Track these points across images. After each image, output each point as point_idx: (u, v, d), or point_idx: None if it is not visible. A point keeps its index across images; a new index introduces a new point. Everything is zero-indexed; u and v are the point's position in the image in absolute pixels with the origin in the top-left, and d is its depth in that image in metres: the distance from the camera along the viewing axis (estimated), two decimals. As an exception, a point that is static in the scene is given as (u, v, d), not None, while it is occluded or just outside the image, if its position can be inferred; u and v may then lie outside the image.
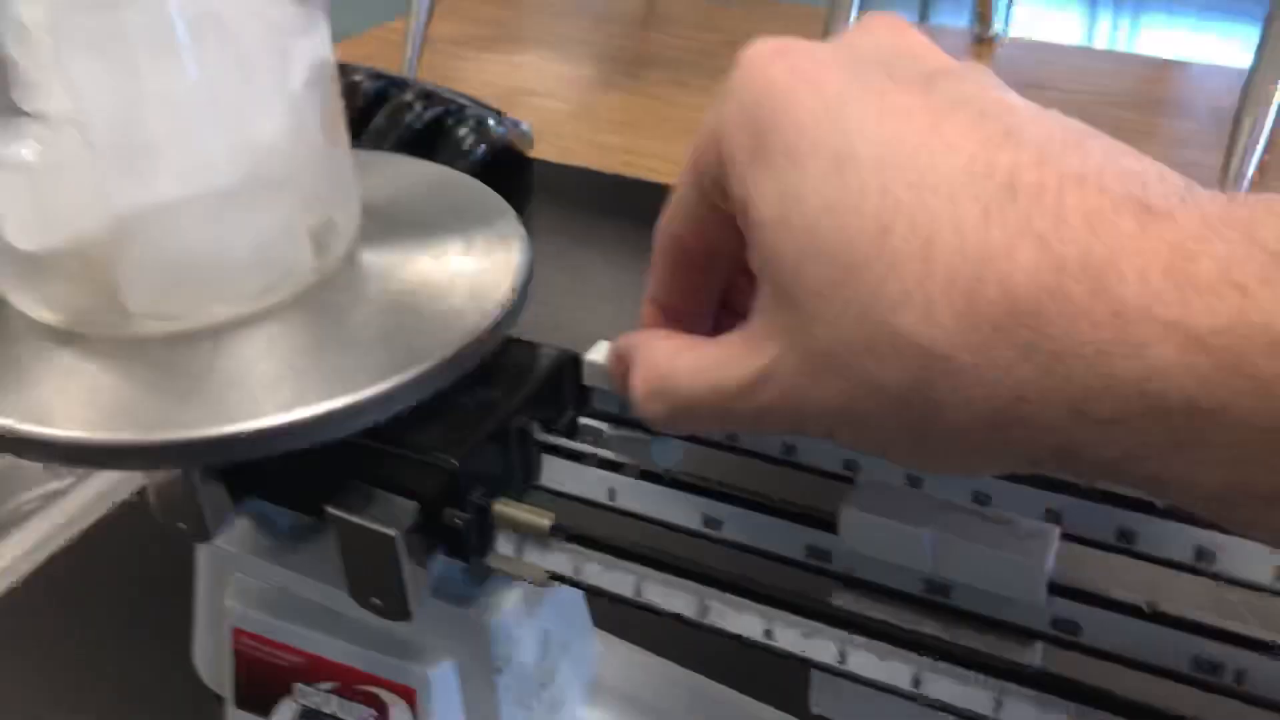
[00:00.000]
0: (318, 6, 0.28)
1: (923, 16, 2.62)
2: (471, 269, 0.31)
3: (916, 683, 0.24)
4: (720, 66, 1.29)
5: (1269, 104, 0.76)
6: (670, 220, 0.27)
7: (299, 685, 0.34)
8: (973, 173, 0.19)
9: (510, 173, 0.73)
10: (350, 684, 0.33)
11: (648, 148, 0.98)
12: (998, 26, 1.17)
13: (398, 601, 0.29)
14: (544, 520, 0.28)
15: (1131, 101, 1.05)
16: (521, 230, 0.33)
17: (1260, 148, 0.76)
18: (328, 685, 0.34)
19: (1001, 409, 0.19)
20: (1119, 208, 0.18)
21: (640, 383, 0.25)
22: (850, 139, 0.20)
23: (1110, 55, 1.45)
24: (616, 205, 0.75)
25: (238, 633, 0.34)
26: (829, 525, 0.26)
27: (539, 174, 0.75)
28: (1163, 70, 1.18)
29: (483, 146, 0.64)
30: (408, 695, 0.32)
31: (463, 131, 0.63)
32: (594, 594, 0.27)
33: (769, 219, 0.21)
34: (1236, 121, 0.77)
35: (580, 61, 1.16)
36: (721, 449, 0.30)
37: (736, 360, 0.23)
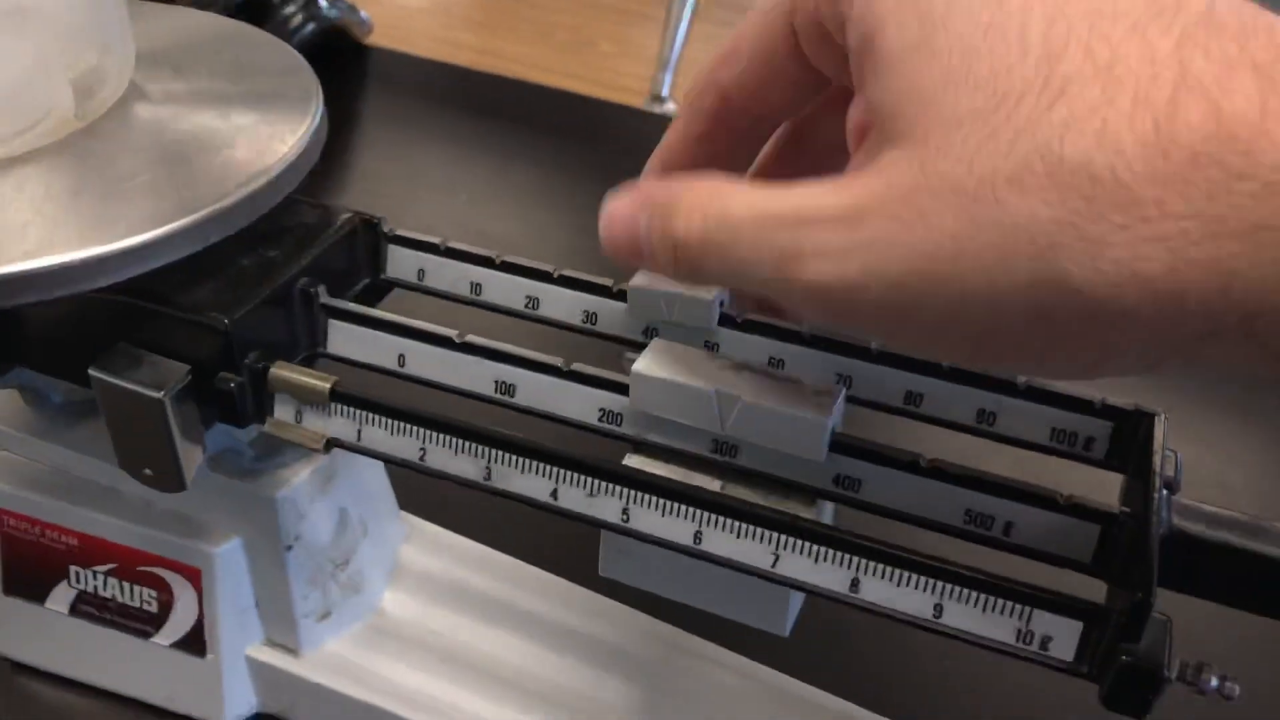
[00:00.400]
0: None
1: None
2: (256, 124, 0.29)
3: (698, 539, 0.24)
4: (581, -33, 1.23)
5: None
6: (723, 68, 0.24)
7: (74, 568, 0.32)
8: (1160, 6, 0.17)
9: (343, 58, 0.70)
10: (131, 565, 0.31)
11: (503, 48, 0.96)
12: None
13: (171, 471, 0.27)
14: (324, 384, 0.26)
15: None
16: (316, 88, 0.31)
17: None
18: (106, 567, 0.32)
19: (1175, 261, 0.16)
20: None
21: (686, 214, 0.21)
22: None
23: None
24: (458, 98, 0.73)
25: (4, 514, 0.32)
26: (623, 389, 0.26)
27: (378, 63, 0.72)
28: None
29: (310, 26, 0.61)
30: (192, 575, 0.31)
31: (289, 9, 0.59)
32: (377, 458, 0.26)
33: (907, 43, 0.19)
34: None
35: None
36: (524, 318, 0.29)
37: (824, 193, 0.19)
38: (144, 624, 0.32)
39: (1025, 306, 0.17)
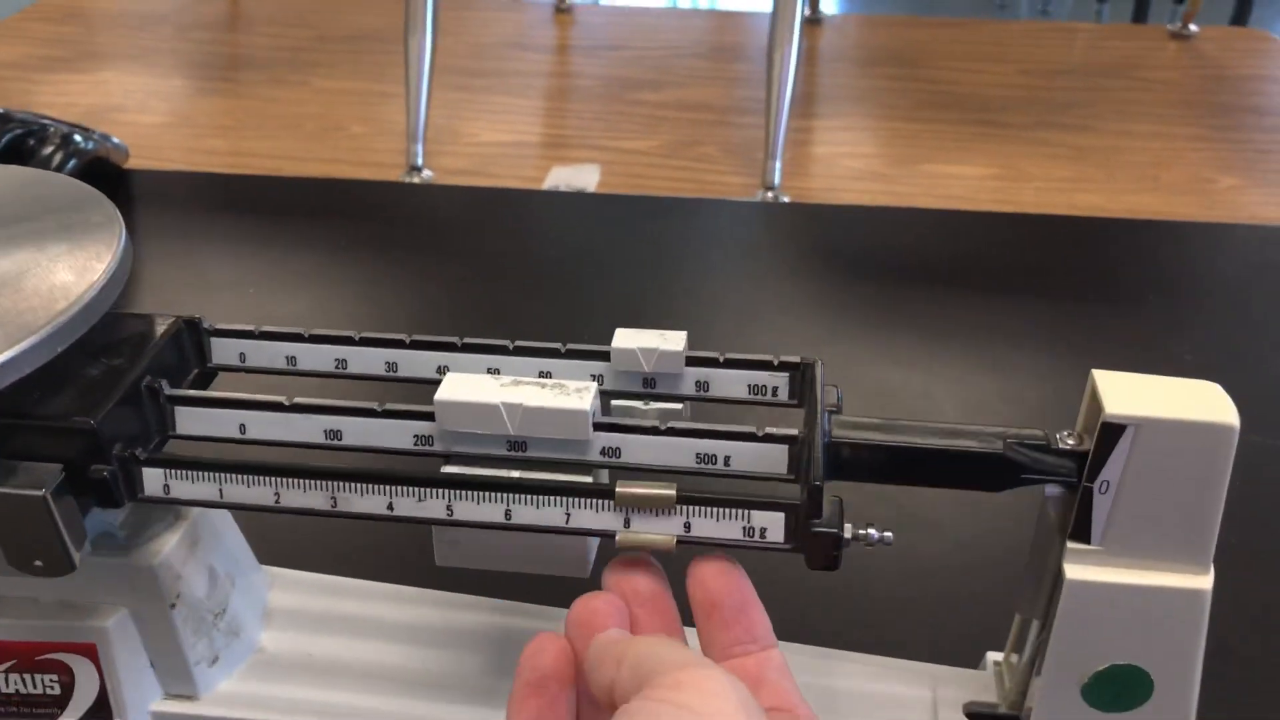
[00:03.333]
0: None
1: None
2: (71, 250, 0.34)
3: (508, 515, 0.31)
4: (316, 61, 1.31)
5: (790, 43, 0.90)
6: None
7: (-25, 673, 0.36)
8: None
9: (106, 184, 0.73)
10: (29, 657, 0.36)
11: (254, 148, 1.00)
12: (572, -2, 1.27)
13: (60, 558, 0.32)
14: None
15: (697, 51, 1.19)
16: (115, 211, 0.36)
17: (791, 80, 0.90)
18: (4, 665, 0.36)
19: None
20: None
21: None
22: None
23: (675, 12, 1.61)
24: (222, 202, 0.77)
25: (-100, 640, 0.36)
26: (428, 416, 0.33)
27: (140, 184, 0.75)
28: (722, 20, 1.34)
29: (72, 161, 0.64)
30: (89, 651, 0.36)
31: (48, 150, 0.63)
32: (239, 509, 0.32)
33: None
34: (769, 59, 0.91)
35: (169, 72, 1.14)
36: (333, 377, 0.36)
37: None
38: (49, 708, 0.36)
39: None
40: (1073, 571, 0.31)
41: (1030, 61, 1.14)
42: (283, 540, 0.43)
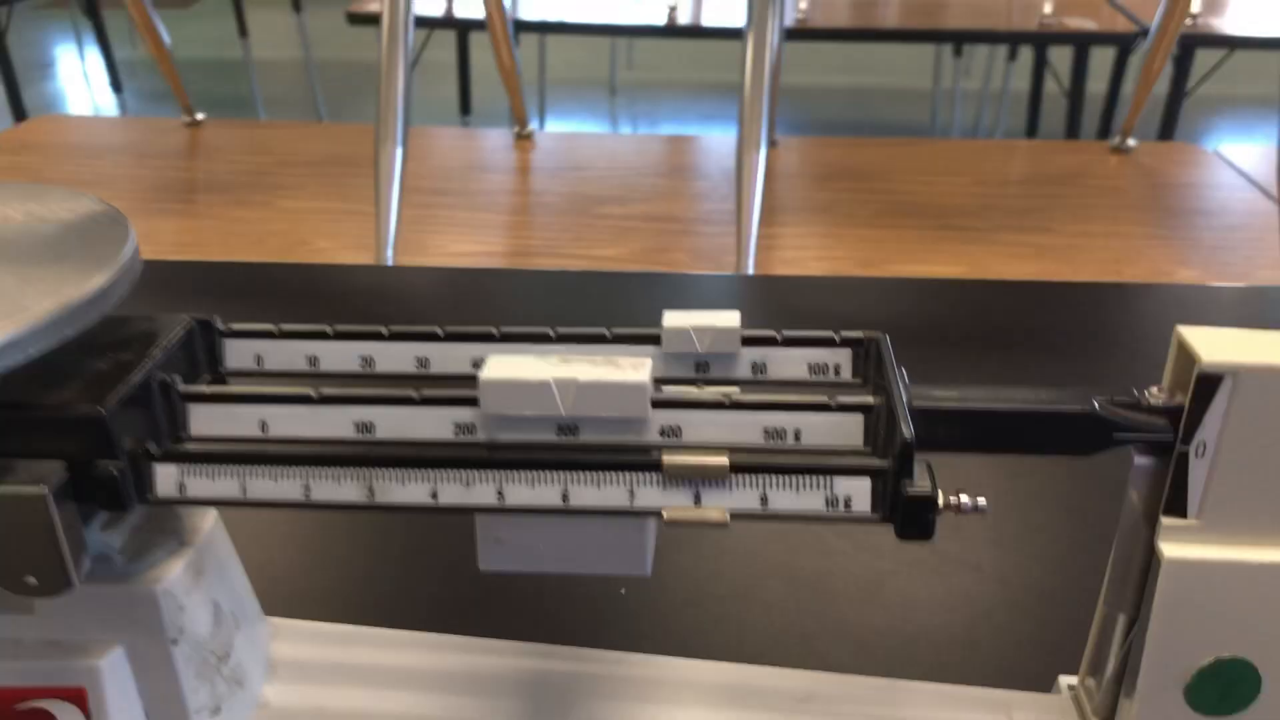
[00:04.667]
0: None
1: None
2: (81, 246, 0.32)
3: (565, 498, 0.29)
4: (279, 183, 1.31)
5: (758, 150, 0.92)
6: None
7: (-59, 728, 0.31)
8: None
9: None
10: (9, 705, 0.31)
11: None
12: (532, 126, 1.30)
13: (57, 571, 0.28)
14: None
15: (659, 171, 1.22)
16: (120, 215, 0.34)
17: (761, 171, 0.92)
18: (-23, 717, 0.31)
19: None
20: None
21: None
22: None
23: (633, 137, 1.66)
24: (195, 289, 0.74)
25: None
26: (471, 401, 0.30)
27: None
28: (679, 143, 1.38)
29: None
30: (77, 696, 0.31)
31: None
32: (267, 506, 0.29)
33: None
34: (738, 161, 0.93)
35: (127, 195, 1.13)
36: (359, 377, 0.33)
37: None
38: (23, 769, 0.32)
39: None
40: (1170, 550, 0.29)
41: (982, 173, 1.18)
42: (285, 591, 0.39)
